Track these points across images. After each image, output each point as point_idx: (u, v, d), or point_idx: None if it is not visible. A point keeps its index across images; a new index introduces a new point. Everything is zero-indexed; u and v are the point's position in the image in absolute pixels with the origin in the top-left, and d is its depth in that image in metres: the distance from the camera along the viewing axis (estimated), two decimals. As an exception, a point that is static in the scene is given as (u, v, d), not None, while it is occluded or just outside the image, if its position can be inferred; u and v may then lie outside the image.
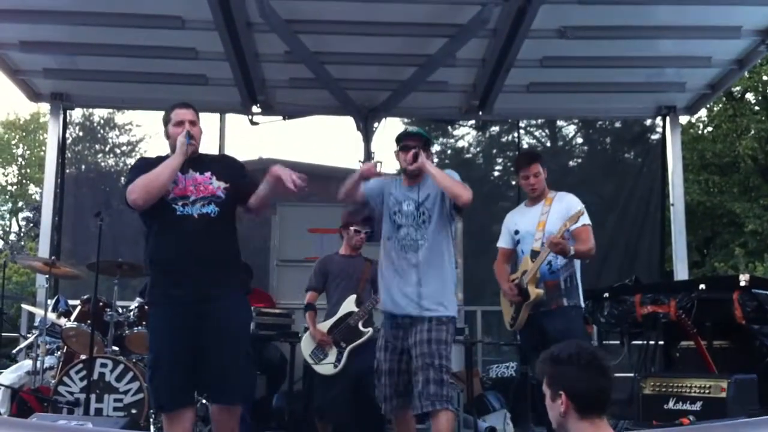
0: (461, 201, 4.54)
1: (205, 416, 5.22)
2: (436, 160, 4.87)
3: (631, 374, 5.67)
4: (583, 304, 5.15)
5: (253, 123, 8.35)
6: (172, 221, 4.16)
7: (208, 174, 4.28)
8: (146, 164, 4.29)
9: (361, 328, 5.83)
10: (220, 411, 4.17)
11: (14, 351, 6.97)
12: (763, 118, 16.54)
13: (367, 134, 8.24)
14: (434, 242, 4.61)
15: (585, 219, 5.01)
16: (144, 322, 5.91)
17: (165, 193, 4.17)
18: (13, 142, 28.31)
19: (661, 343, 5.76)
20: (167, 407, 4.12)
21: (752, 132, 16.48)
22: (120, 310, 6.01)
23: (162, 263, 4.21)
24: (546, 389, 2.87)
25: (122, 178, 9.25)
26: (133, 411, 5.46)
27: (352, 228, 5.96)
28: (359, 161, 8.24)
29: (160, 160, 4.29)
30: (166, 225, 4.19)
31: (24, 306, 7.20)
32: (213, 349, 4.08)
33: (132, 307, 6.10)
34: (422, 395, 4.37)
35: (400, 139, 4.81)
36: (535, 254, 5.08)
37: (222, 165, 4.40)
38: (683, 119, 8.72)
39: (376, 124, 8.25)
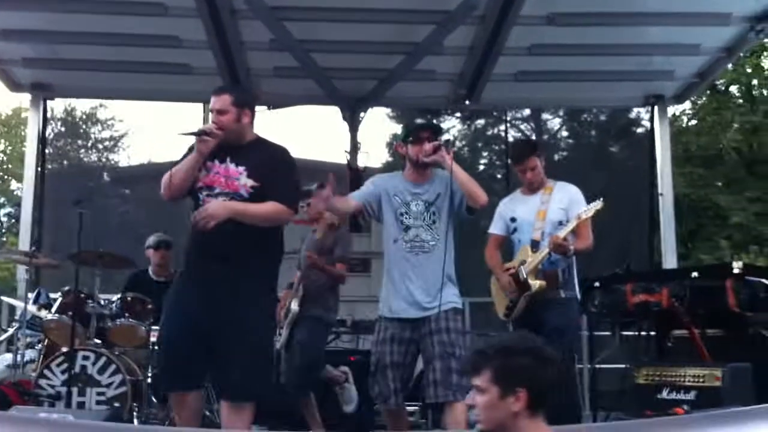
0: (479, 203, 4.43)
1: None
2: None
3: (623, 365, 5.61)
4: (579, 296, 5.10)
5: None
6: (198, 207, 4.10)
7: (242, 168, 4.13)
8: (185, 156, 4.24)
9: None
10: (226, 409, 4.07)
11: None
12: (747, 110, 16.56)
13: (354, 124, 8.16)
14: (445, 240, 4.48)
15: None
16: (126, 314, 5.85)
17: (195, 180, 4.13)
18: (-6, 138, 28.01)
19: (653, 333, 5.69)
20: (167, 388, 4.19)
21: (736, 125, 16.50)
22: (102, 302, 5.89)
23: (189, 247, 4.24)
24: (489, 384, 2.53)
25: (105, 174, 9.15)
26: (116, 404, 5.33)
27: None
28: (345, 152, 8.17)
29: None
30: (194, 212, 4.13)
31: (4, 298, 7.07)
32: (222, 344, 4.00)
33: (115, 299, 5.99)
34: (441, 384, 4.24)
35: (412, 131, 4.65)
36: (535, 244, 4.99)
37: (263, 161, 4.17)
38: (671, 109, 8.66)
39: (362, 114, 8.17)
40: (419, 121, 4.86)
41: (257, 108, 8.18)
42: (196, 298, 4.09)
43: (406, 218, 4.51)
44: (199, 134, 4.10)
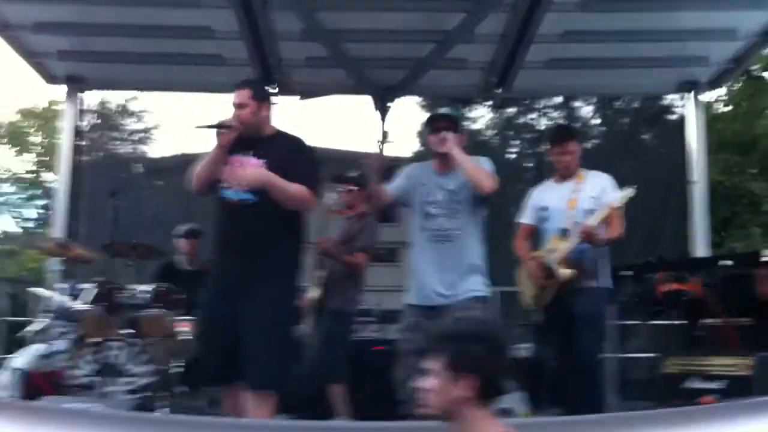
0: (483, 191, 4.45)
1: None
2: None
3: (651, 354, 5.58)
4: (612, 286, 5.07)
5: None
6: (220, 203, 4.29)
7: (262, 161, 4.23)
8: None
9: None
10: (249, 398, 4.14)
11: (26, 334, 6.95)
12: (783, 96, 16.31)
13: (384, 114, 8.15)
14: (468, 229, 4.52)
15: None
16: (159, 304, 5.88)
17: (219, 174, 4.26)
18: (31, 131, 28.35)
19: (683, 321, 5.65)
20: (203, 382, 4.41)
21: (771, 111, 16.26)
22: (134, 293, 5.94)
23: (215, 240, 4.43)
24: (440, 369, 2.49)
25: (137, 165, 9.22)
26: (147, 394, 5.39)
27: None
28: (378, 141, 8.17)
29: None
30: (218, 206, 4.33)
31: (36, 290, 7.17)
32: (245, 331, 4.11)
33: (148, 289, 6.04)
34: None
35: (430, 121, 4.69)
36: (565, 232, 4.98)
37: (282, 153, 4.27)
38: (705, 96, 8.54)
39: (391, 104, 8.16)
40: (441, 110, 4.86)
41: (289, 97, 8.37)
42: (220, 291, 4.24)
43: (430, 207, 4.56)
44: (217, 127, 4.19)
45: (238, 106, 4.28)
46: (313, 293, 5.70)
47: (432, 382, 2.51)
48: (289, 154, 4.29)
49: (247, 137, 4.25)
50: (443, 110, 4.85)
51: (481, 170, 4.49)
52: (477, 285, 4.49)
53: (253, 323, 4.10)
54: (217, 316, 4.22)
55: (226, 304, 4.16)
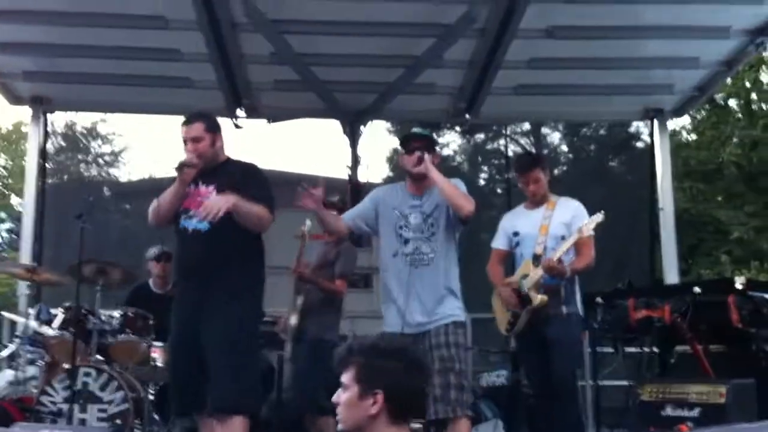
0: (463, 213, 4.37)
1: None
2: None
3: (625, 382, 5.57)
4: (581, 312, 5.08)
5: (237, 126, 8.19)
6: (177, 232, 4.41)
7: (211, 187, 4.31)
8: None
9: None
10: (214, 423, 4.14)
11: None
12: (746, 124, 16.56)
13: (354, 138, 8.14)
14: (443, 252, 4.46)
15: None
16: (128, 330, 5.81)
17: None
18: (-5, 152, 28.00)
19: (656, 349, 5.66)
20: (176, 411, 4.47)
21: (735, 139, 16.51)
22: (103, 318, 5.85)
23: (174, 268, 4.72)
24: (351, 382, 2.46)
25: (105, 188, 9.15)
26: (118, 421, 5.29)
27: None
28: (347, 166, 8.15)
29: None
30: (176, 235, 4.45)
31: (4, 314, 7.03)
32: (206, 355, 4.16)
33: (116, 315, 5.94)
34: (441, 400, 4.17)
35: (405, 141, 4.63)
36: (537, 258, 4.97)
37: (231, 178, 4.34)
38: (671, 123, 8.66)
39: (362, 128, 8.15)
40: (415, 129, 4.85)
41: (258, 121, 8.34)
42: (183, 319, 4.32)
43: (405, 231, 4.48)
44: (181, 168, 4.25)
45: (194, 140, 4.34)
46: (291, 320, 5.62)
47: (344, 395, 2.47)
48: (241, 176, 4.38)
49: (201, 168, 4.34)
50: (417, 130, 4.83)
51: (459, 192, 4.42)
52: (454, 309, 4.44)
53: (212, 346, 4.17)
54: (181, 344, 4.31)
55: (188, 331, 4.24)
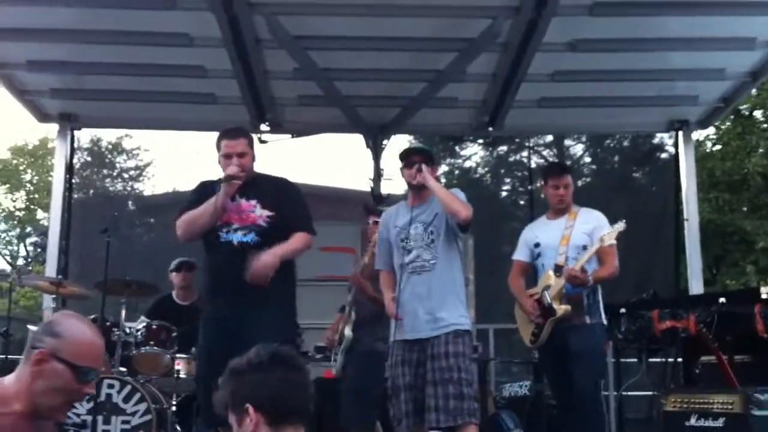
0: (459, 217, 4.49)
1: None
2: (443, 180, 4.85)
3: (650, 392, 5.55)
4: (605, 321, 5.08)
5: (261, 141, 8.26)
6: (216, 246, 4.36)
7: (253, 201, 4.37)
8: (202, 193, 4.45)
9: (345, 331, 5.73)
10: None
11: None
12: (772, 135, 16.45)
13: (377, 152, 8.18)
14: (445, 259, 4.56)
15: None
16: (151, 342, 5.87)
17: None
18: (22, 168, 28.37)
19: (681, 359, 5.63)
20: (210, 422, 4.30)
21: (761, 149, 16.39)
22: (127, 330, 5.92)
23: (206, 284, 4.45)
24: (230, 414, 2.36)
25: (129, 203, 9.25)
26: (142, 432, 5.36)
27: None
28: (369, 179, 8.18)
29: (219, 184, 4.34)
30: (212, 249, 4.40)
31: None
32: None
33: (139, 327, 6.00)
34: (439, 410, 4.26)
35: (404, 156, 4.77)
36: (558, 269, 4.99)
37: (272, 191, 4.43)
38: (695, 134, 8.61)
39: (385, 142, 8.19)
40: (413, 145, 5.01)
41: (282, 136, 8.41)
42: (220, 334, 4.26)
43: (407, 243, 4.63)
44: (228, 180, 4.30)
45: (240, 155, 4.39)
46: (346, 331, 5.68)
47: (235, 430, 2.38)
48: (280, 192, 4.46)
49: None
50: (415, 145, 4.97)
51: (455, 198, 4.55)
52: (458, 318, 4.51)
53: None
54: (218, 357, 4.16)
55: (227, 344, 4.08)
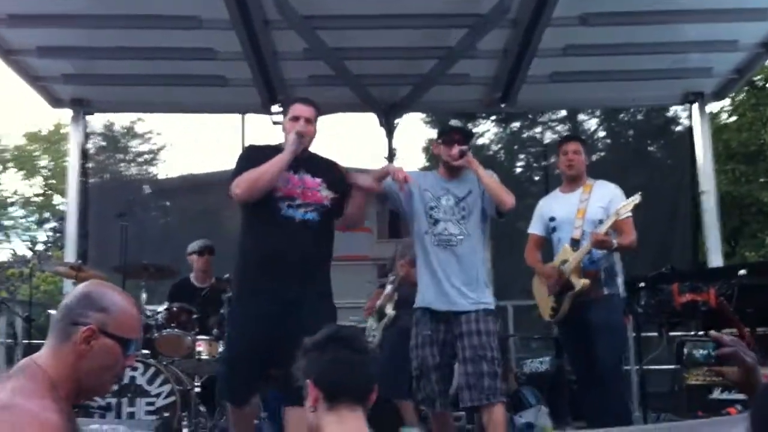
0: (506, 207, 4.49)
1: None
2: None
3: (671, 366, 5.53)
4: (623, 294, 5.05)
5: (275, 123, 8.24)
6: (275, 220, 4.20)
7: (319, 180, 4.30)
8: (255, 155, 4.30)
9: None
10: (293, 412, 4.09)
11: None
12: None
13: (389, 130, 8.15)
14: (474, 237, 4.55)
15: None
16: (172, 324, 5.89)
17: (272, 189, 4.19)
18: (37, 154, 28.48)
19: (702, 332, 5.60)
20: (239, 401, 4.25)
21: (776, 120, 16.24)
22: (148, 313, 5.95)
23: (258, 258, 4.24)
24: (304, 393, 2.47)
25: (144, 186, 9.28)
26: (166, 414, 5.40)
27: None
28: (384, 158, 8.17)
29: (269, 149, 4.30)
30: (269, 222, 4.22)
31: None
32: (290, 349, 4.01)
33: (160, 309, 6.04)
34: (475, 388, 4.26)
35: (444, 132, 4.74)
36: (575, 243, 4.96)
37: (333, 174, 4.39)
38: (710, 106, 8.53)
39: (397, 120, 8.16)
40: (454, 121, 4.93)
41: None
42: (265, 310, 4.13)
43: (435, 212, 4.58)
44: (299, 137, 4.25)
45: (308, 120, 4.33)
46: (388, 309, 5.74)
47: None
48: (340, 177, 4.41)
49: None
50: (456, 123, 4.90)
51: (502, 187, 4.54)
52: (486, 297, 4.53)
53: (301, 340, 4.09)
54: (256, 336, 4.12)
55: (269, 325, 4.07)
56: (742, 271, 5.12)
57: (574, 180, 5.22)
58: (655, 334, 5.83)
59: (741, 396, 4.44)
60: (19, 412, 1.97)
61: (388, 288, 5.86)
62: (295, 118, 4.32)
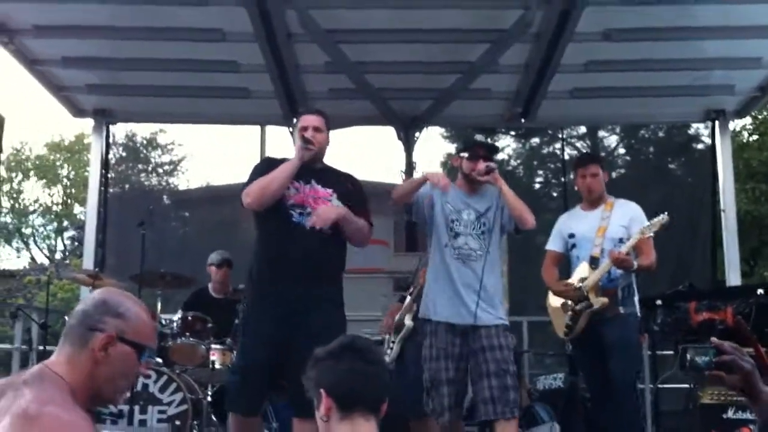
0: (528, 226, 4.54)
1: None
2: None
3: (685, 385, 5.49)
4: (639, 313, 5.03)
5: (292, 134, 8.29)
6: (287, 227, 4.25)
7: (329, 190, 4.34)
8: (268, 165, 4.36)
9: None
10: (301, 423, 4.11)
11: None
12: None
13: (409, 144, 8.17)
14: (492, 253, 4.55)
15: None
16: (187, 333, 5.92)
17: (283, 197, 4.24)
18: (58, 163, 28.75)
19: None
20: (248, 411, 4.25)
21: (798, 139, 16.12)
22: (163, 322, 5.98)
23: (266, 261, 4.30)
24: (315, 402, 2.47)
25: (164, 197, 9.36)
26: (177, 422, 5.42)
27: None
28: (401, 172, 8.18)
29: (284, 161, 4.34)
30: (280, 229, 4.27)
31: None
32: (299, 360, 4.02)
33: (175, 318, 6.07)
34: (500, 401, 4.26)
35: (470, 148, 4.75)
36: (594, 261, 4.95)
37: (346, 186, 4.43)
38: (732, 124, 8.49)
39: (417, 134, 8.18)
40: (478, 137, 4.95)
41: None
42: (274, 316, 4.17)
43: (456, 225, 4.59)
44: (306, 143, 4.30)
45: (317, 129, 4.38)
46: (406, 321, 5.72)
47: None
48: (352, 188, 4.46)
49: (305, 164, 4.33)
50: (481, 139, 4.91)
51: (524, 205, 4.56)
52: (502, 313, 4.56)
53: (311, 351, 4.06)
54: (267, 343, 4.16)
55: (279, 329, 4.11)
56: (761, 291, 5.09)
57: (595, 200, 5.22)
58: (671, 352, 5.79)
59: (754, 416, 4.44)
60: (52, 422, 1.94)
61: (408, 299, 5.83)
62: (304, 128, 4.40)
